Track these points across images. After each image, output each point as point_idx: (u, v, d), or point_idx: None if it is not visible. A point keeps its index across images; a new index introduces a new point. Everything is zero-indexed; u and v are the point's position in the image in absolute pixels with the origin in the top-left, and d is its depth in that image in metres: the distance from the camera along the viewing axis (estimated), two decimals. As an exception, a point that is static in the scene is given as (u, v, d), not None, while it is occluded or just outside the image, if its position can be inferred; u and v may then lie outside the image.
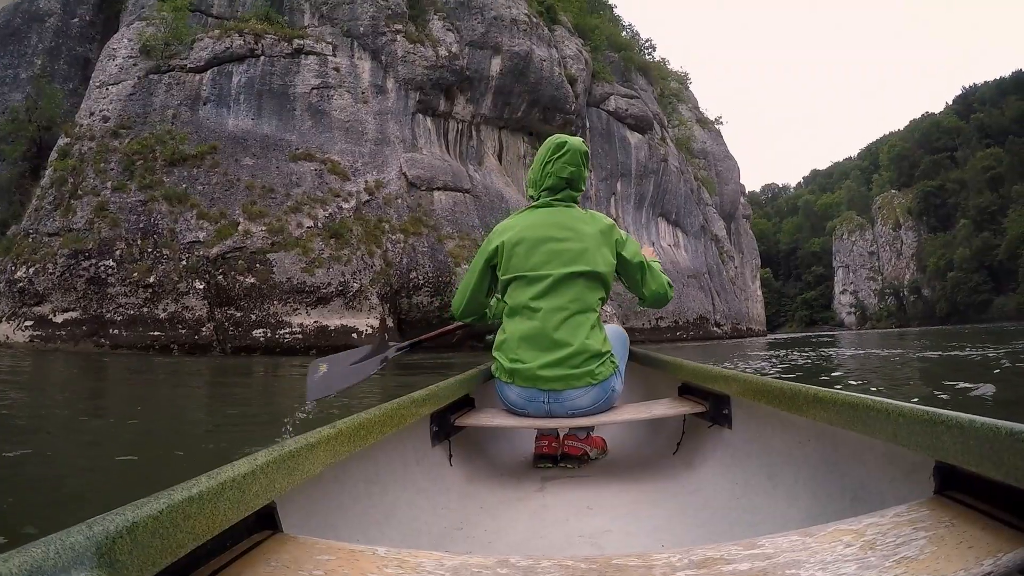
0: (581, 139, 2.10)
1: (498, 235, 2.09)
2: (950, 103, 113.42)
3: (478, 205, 25.08)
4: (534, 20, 29.03)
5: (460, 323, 2.40)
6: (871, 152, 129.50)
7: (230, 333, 17.86)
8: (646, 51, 52.48)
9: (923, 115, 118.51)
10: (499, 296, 2.18)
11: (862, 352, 13.55)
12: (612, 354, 2.00)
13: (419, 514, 1.54)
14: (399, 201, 22.49)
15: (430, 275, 21.21)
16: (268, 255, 18.62)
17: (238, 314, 17.98)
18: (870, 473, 1.15)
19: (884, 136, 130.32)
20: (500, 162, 29.67)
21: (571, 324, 1.92)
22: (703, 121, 55.73)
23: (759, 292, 59.51)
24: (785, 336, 54.92)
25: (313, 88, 22.99)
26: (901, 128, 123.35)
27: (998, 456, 0.76)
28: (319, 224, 19.95)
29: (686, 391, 2.06)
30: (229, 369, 12.28)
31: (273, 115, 22.32)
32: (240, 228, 18.88)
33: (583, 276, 1.96)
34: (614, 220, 2.34)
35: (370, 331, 19.18)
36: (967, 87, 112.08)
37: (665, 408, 1.95)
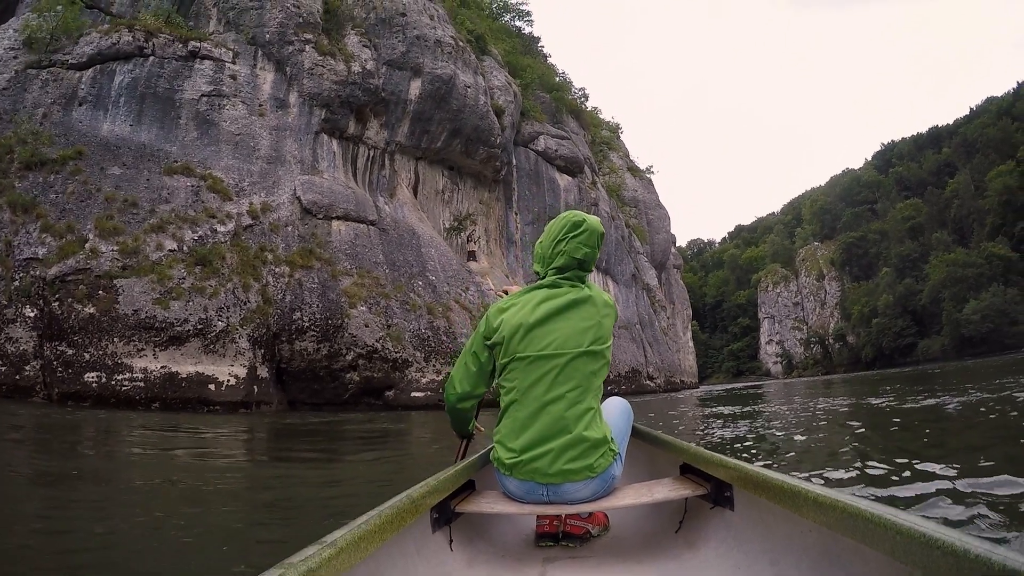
0: (598, 219, 2.02)
1: (498, 312, 1.97)
2: (869, 159, 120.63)
3: (384, 240, 22.56)
4: (460, 44, 27.26)
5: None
6: (794, 207, 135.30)
7: (58, 375, 14.63)
8: (579, 99, 52.01)
9: (843, 171, 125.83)
10: (498, 381, 2.00)
11: (809, 403, 11.99)
12: (611, 440, 1.88)
13: None
14: (289, 229, 19.78)
15: (318, 317, 18.39)
16: (115, 280, 15.56)
17: (70, 351, 14.78)
18: (870, 571, 1.11)
19: (806, 192, 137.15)
20: (415, 196, 27.43)
21: (573, 412, 1.81)
22: (634, 169, 55.51)
23: (691, 343, 58.86)
24: (719, 388, 53.91)
25: (203, 95, 20.50)
26: (823, 183, 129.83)
27: None
28: (184, 248, 16.97)
29: (688, 469, 1.97)
30: (53, 426, 10.09)
31: (154, 122, 19.81)
32: (88, 246, 15.93)
33: (588, 355, 1.85)
34: None
35: (233, 382, 16.07)
36: (886, 143, 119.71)
37: (667, 490, 1.85)
